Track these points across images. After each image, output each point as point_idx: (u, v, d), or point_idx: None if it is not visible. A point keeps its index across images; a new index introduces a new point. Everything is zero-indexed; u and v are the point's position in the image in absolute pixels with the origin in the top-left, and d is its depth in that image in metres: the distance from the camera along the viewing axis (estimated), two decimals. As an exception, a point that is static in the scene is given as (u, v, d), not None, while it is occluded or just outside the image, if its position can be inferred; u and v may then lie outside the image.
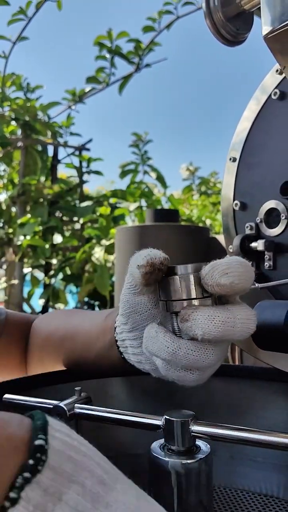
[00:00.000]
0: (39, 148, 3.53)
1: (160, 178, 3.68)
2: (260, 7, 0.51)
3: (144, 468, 0.52)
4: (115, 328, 0.46)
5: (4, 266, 3.52)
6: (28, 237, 3.08)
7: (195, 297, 0.36)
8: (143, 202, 3.48)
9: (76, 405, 0.38)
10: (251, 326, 0.36)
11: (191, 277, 0.36)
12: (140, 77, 3.40)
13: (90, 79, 3.37)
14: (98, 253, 2.81)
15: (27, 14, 3.05)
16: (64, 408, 0.38)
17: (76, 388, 0.40)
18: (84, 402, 0.39)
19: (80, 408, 0.38)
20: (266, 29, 0.47)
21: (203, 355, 0.35)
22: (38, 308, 3.28)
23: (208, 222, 3.92)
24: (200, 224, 3.63)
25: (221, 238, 1.72)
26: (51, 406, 0.39)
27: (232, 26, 0.55)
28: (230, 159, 0.63)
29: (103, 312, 0.52)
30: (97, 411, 0.38)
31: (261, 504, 0.48)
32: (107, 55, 3.25)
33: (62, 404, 0.38)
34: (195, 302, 0.36)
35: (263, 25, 0.48)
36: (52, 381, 0.49)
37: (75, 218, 3.34)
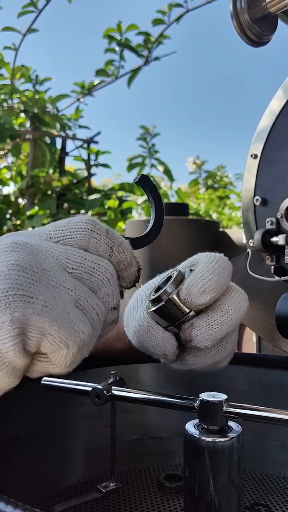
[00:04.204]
0: (48, 140, 3.55)
1: (167, 172, 3.69)
2: (285, 10, 0.53)
3: (167, 450, 0.55)
4: None
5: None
6: (36, 229, 3.10)
7: (186, 312, 0.37)
8: (150, 196, 3.49)
9: (113, 387, 0.41)
10: (243, 306, 0.37)
11: (175, 298, 0.37)
12: (149, 70, 3.40)
13: (99, 72, 3.38)
14: (106, 246, 2.82)
15: (37, 6, 3.06)
16: (102, 389, 0.40)
17: (112, 372, 0.42)
18: (119, 385, 0.42)
19: (117, 390, 0.41)
20: (293, 32, 0.49)
21: (222, 353, 0.39)
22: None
23: (214, 216, 3.93)
24: (207, 218, 3.64)
25: (230, 232, 1.74)
26: (89, 389, 0.41)
27: (258, 28, 0.56)
28: (252, 155, 0.65)
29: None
30: (134, 392, 0.40)
31: (281, 486, 0.51)
32: (117, 48, 3.25)
33: (99, 386, 0.41)
34: (190, 314, 0.37)
35: (290, 27, 0.50)
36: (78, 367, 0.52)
37: (83, 211, 3.36)
